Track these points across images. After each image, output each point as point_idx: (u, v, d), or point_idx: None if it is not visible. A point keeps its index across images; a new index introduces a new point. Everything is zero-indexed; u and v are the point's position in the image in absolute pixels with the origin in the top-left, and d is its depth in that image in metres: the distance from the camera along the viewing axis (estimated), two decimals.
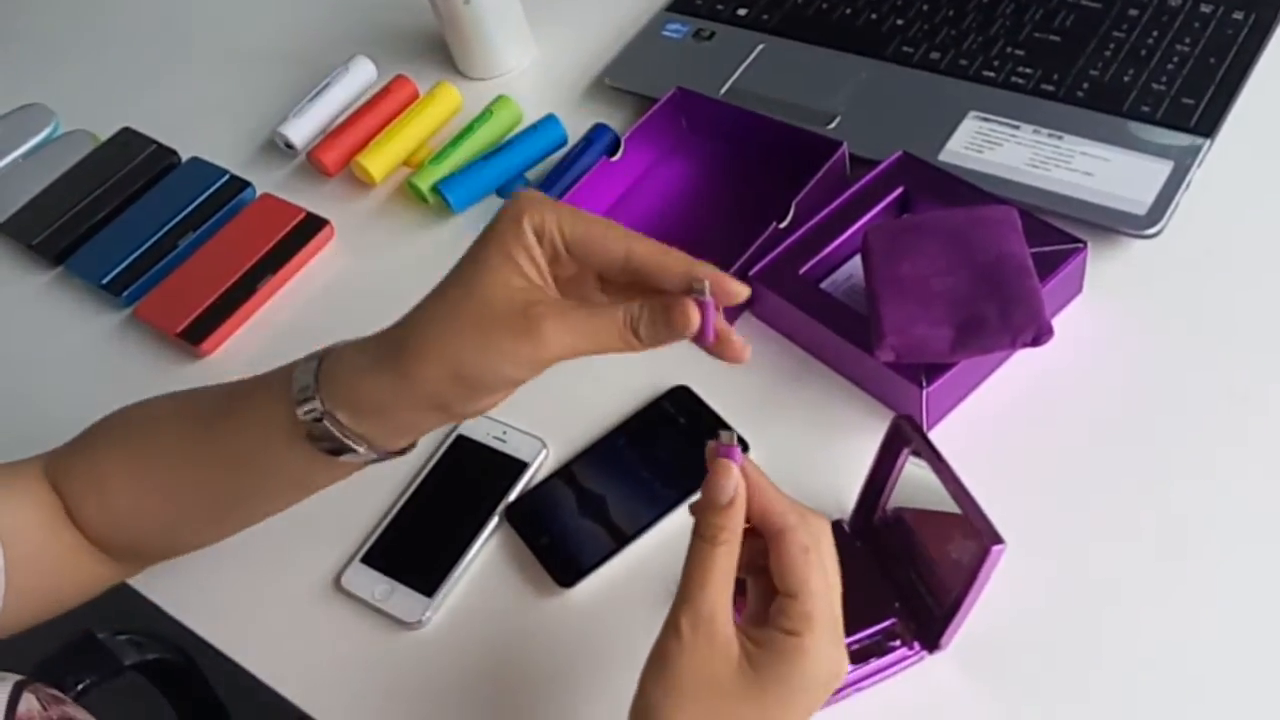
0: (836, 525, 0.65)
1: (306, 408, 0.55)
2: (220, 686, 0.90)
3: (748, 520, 0.52)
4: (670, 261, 0.50)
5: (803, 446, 0.70)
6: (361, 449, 0.55)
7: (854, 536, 0.65)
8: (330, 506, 0.63)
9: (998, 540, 0.54)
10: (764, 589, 0.52)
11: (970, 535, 0.55)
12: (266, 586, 0.72)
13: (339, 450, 0.55)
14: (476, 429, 0.74)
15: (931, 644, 0.60)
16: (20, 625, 0.62)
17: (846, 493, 0.66)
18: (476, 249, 0.52)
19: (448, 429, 0.75)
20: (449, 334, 0.51)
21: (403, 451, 0.58)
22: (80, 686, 0.77)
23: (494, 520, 0.70)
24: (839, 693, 0.60)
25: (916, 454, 0.60)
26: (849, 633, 0.51)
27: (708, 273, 0.50)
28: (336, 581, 0.70)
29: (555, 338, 0.50)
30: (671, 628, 0.50)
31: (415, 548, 0.70)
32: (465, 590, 0.69)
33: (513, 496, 0.71)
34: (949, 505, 0.57)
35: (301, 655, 0.69)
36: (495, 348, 0.50)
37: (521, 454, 0.73)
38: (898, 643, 0.60)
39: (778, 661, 0.49)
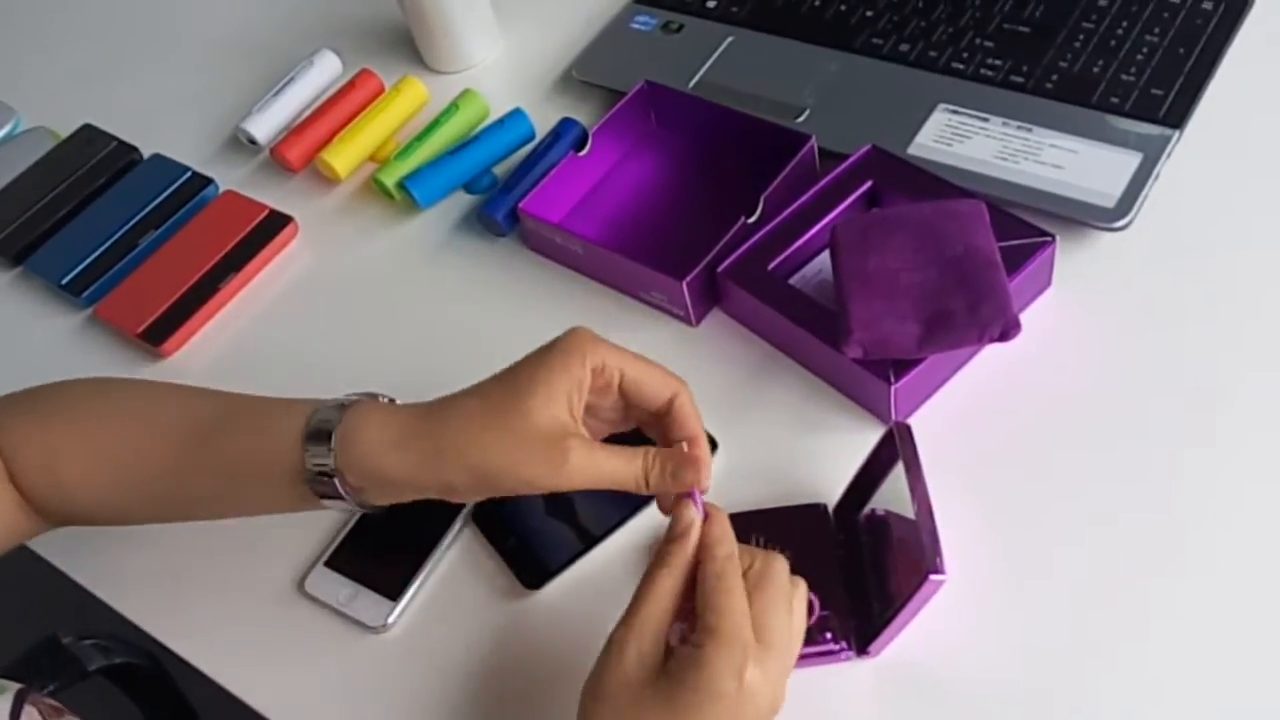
0: (821, 510, 0.65)
1: (316, 461, 0.58)
2: (190, 690, 0.89)
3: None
4: (694, 423, 0.58)
5: (773, 443, 0.70)
6: (351, 503, 0.59)
7: (836, 525, 0.65)
8: None
9: (937, 571, 0.54)
10: None
11: (920, 556, 0.55)
12: (229, 591, 0.70)
13: (329, 496, 0.59)
14: None
15: (862, 647, 0.60)
16: None
17: (818, 488, 0.66)
18: (533, 368, 0.56)
19: None
20: (486, 437, 0.55)
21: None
22: (45, 692, 0.76)
23: (459, 522, 0.69)
24: None
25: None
26: None
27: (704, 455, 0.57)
28: (300, 586, 0.69)
29: (579, 472, 0.55)
30: (609, 642, 0.53)
31: (379, 551, 0.69)
32: (430, 594, 0.68)
33: None
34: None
35: (265, 660, 0.68)
36: (523, 463, 0.55)
37: None
38: (830, 635, 0.60)
39: (682, 668, 0.52)
